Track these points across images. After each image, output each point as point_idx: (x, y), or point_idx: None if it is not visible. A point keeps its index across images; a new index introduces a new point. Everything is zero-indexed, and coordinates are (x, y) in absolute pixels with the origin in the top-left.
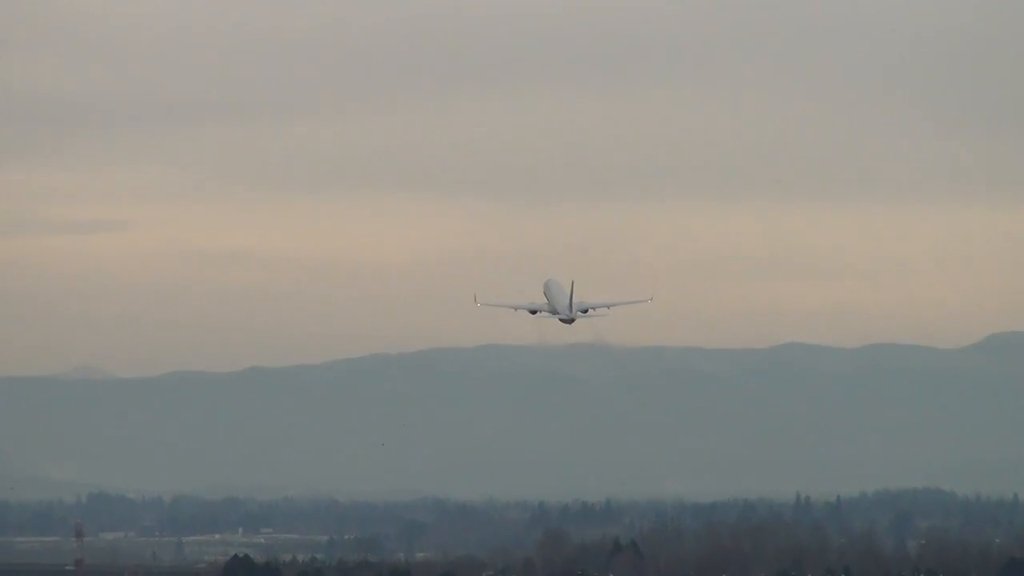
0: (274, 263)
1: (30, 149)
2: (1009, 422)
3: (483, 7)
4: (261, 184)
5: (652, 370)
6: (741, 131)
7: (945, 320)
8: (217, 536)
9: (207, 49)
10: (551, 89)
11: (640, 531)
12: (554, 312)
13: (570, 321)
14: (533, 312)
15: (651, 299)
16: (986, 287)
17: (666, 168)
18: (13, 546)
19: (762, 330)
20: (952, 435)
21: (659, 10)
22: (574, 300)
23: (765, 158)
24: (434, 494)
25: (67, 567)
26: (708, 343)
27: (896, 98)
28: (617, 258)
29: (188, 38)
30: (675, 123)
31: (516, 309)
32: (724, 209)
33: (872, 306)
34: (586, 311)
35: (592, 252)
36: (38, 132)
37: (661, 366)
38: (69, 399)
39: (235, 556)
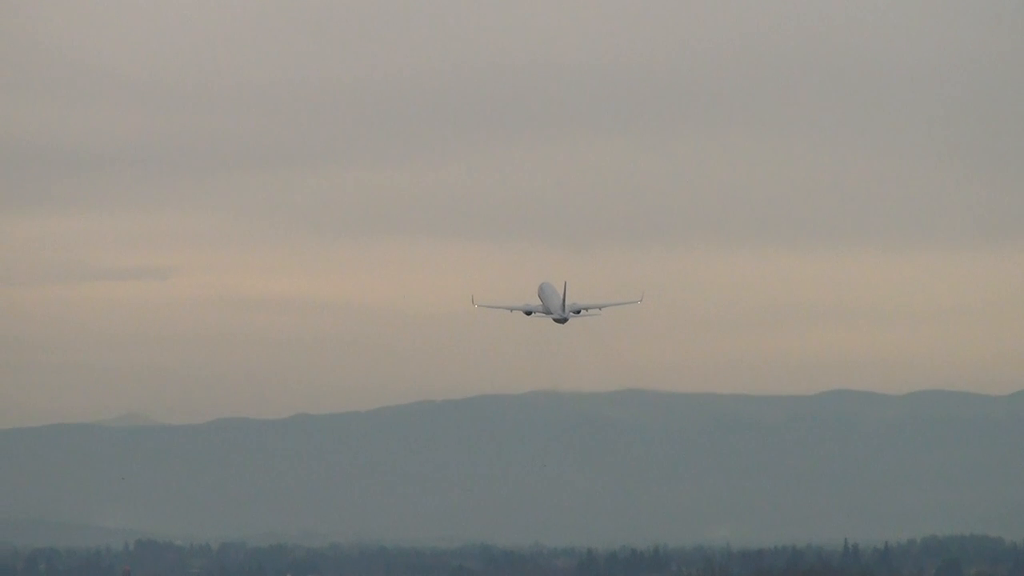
0: (320, 310)
1: (75, 197)
2: None
3: (525, 57)
4: (307, 231)
5: (700, 416)
6: (786, 178)
7: (993, 366)
8: None
9: (252, 96)
10: (598, 138)
11: None
12: (548, 313)
13: (563, 321)
14: (528, 313)
15: (640, 300)
16: None
17: (711, 215)
18: None
19: (809, 377)
20: (1001, 481)
21: (699, 55)
22: (567, 301)
23: (811, 205)
24: (481, 540)
25: None
26: (755, 390)
27: (944, 145)
28: (663, 305)
29: (234, 86)
30: (718, 169)
31: (512, 310)
32: (770, 256)
33: (920, 352)
34: (579, 312)
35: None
36: (83, 180)
37: (709, 413)
38: (116, 446)
39: None
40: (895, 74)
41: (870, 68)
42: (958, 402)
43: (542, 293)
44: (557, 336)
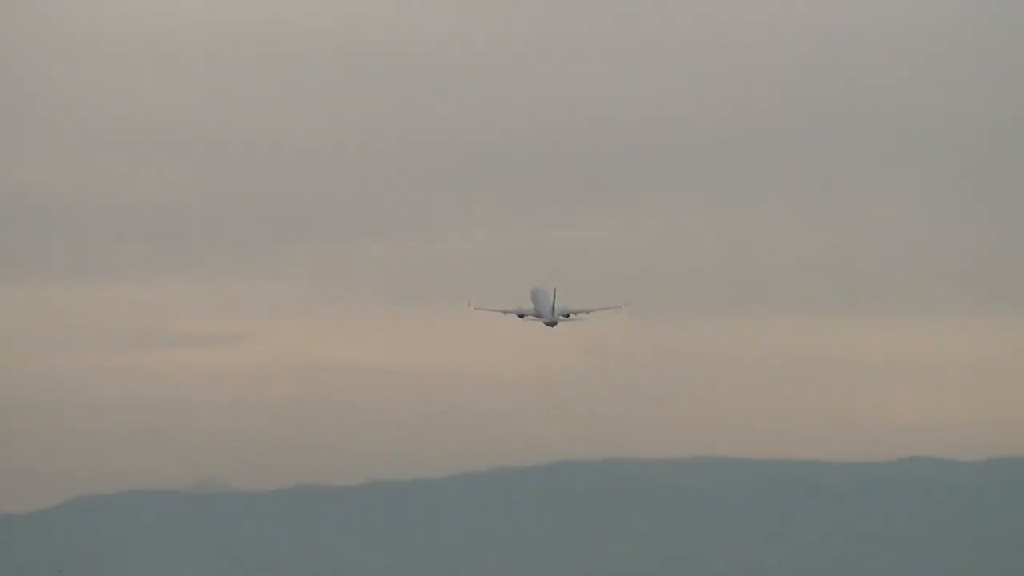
0: (397, 376)
1: (149, 263)
2: None
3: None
4: (382, 298)
5: (775, 482)
6: (858, 241)
7: None
8: None
9: (325, 162)
10: (674, 198)
11: None
12: (539, 316)
13: (553, 324)
14: (521, 316)
15: (625, 306)
16: None
17: (783, 279)
18: None
19: (884, 443)
20: None
21: (765, 117)
22: (556, 306)
23: (887, 269)
24: None
25: None
26: (830, 456)
27: (1017, 208)
28: (736, 369)
29: (305, 151)
30: (787, 233)
31: (506, 313)
32: (843, 319)
33: (995, 418)
34: (568, 315)
35: (706, 362)
36: (160, 246)
37: (785, 478)
38: (192, 512)
39: None
40: (963, 131)
41: (947, 123)
42: None
43: (534, 297)
44: (630, 402)
